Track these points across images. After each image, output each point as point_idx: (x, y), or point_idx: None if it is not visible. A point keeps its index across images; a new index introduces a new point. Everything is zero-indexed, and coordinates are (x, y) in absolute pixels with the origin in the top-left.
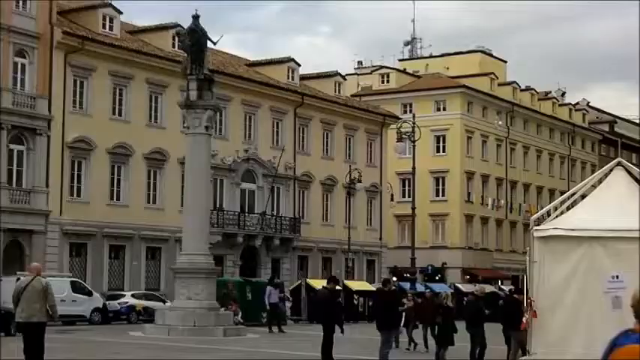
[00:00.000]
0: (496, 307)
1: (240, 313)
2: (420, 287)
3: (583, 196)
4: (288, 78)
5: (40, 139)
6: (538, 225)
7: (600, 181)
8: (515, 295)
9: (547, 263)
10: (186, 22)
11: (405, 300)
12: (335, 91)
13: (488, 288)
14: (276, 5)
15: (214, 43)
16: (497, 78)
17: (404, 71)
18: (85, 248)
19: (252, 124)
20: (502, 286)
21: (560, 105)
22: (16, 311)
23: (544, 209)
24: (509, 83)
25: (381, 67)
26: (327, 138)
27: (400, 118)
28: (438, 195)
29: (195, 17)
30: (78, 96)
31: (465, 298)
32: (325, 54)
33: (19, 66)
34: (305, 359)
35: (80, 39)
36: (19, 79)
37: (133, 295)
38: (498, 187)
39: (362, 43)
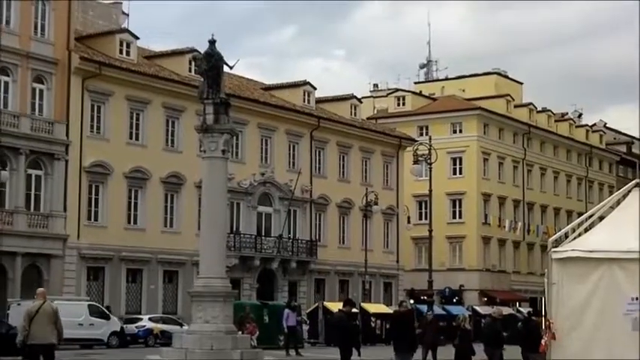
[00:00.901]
0: (514, 329)
1: (257, 333)
2: (437, 310)
3: (601, 218)
4: (304, 101)
5: (58, 163)
6: (556, 247)
7: (618, 203)
8: (533, 317)
9: (566, 285)
10: (202, 47)
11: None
12: (351, 114)
13: (506, 310)
14: (290, 29)
15: (230, 67)
16: (514, 100)
17: (420, 94)
18: (103, 272)
19: (269, 148)
20: (520, 309)
21: (577, 126)
22: (26, 334)
23: (562, 231)
24: (525, 105)
25: (397, 89)
26: (343, 161)
27: (416, 141)
28: (454, 217)
29: (212, 42)
30: (95, 121)
31: (483, 321)
32: (340, 77)
33: (37, 92)
34: None
35: (97, 64)
36: (37, 104)
37: (150, 319)
38: (515, 208)
39: (377, 66)
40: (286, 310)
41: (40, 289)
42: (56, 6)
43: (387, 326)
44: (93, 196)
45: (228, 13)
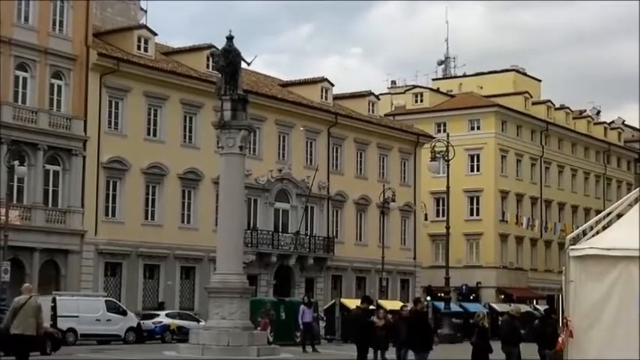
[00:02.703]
0: (532, 326)
1: (269, 329)
2: (454, 307)
3: (619, 216)
4: (322, 98)
5: (76, 159)
6: (574, 244)
7: (637, 200)
8: (552, 315)
9: (583, 283)
10: (220, 44)
11: (374, 318)
12: (368, 111)
13: (524, 308)
14: (307, 28)
15: (248, 64)
16: (532, 97)
17: (437, 90)
18: (120, 268)
19: (286, 144)
20: (537, 306)
21: (595, 123)
22: (10, 324)
23: (580, 228)
24: (543, 102)
25: (415, 86)
26: (360, 157)
27: (434, 138)
28: (472, 214)
29: (229, 38)
30: (113, 117)
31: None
32: (357, 74)
33: (56, 87)
34: None
35: (115, 60)
36: (55, 100)
37: (167, 315)
38: (533, 206)
39: (395, 63)
40: (302, 307)
41: (26, 285)
42: (75, 3)
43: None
44: (110, 192)
45: (245, 12)
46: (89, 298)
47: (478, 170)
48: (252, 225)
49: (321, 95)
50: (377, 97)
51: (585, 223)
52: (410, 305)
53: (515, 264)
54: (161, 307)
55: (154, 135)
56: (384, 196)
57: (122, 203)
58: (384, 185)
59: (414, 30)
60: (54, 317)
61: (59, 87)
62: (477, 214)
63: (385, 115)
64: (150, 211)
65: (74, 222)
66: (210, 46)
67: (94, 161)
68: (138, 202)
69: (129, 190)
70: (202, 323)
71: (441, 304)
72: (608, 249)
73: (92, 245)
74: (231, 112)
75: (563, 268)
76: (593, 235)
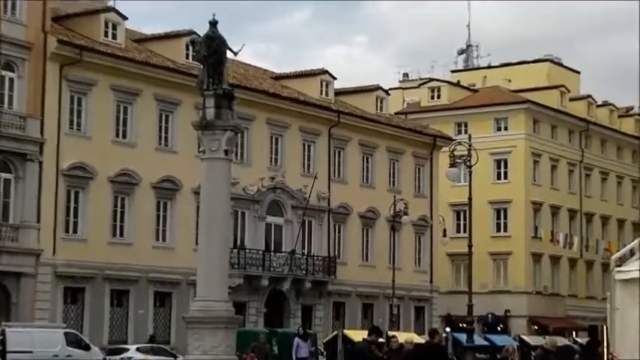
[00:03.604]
0: None
1: None
2: (478, 339)
3: None
4: (322, 93)
5: (31, 165)
6: (620, 266)
7: None
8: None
9: (631, 310)
10: (202, 30)
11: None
12: (376, 109)
13: (561, 340)
14: (304, 12)
15: (235, 54)
16: (569, 91)
17: (457, 84)
18: (83, 294)
19: (280, 148)
20: (577, 338)
21: None
22: None
23: (627, 247)
24: (583, 97)
25: (431, 79)
26: (367, 163)
27: (454, 140)
28: (499, 230)
29: (213, 23)
30: (75, 115)
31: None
32: (363, 66)
33: (7, 81)
34: None
35: (78, 49)
36: (6, 95)
37: (138, 349)
38: (571, 220)
39: (407, 52)
40: (297, 339)
41: None
42: None
43: None
44: (72, 204)
45: None
46: (45, 329)
47: (506, 178)
48: (239, 243)
49: (321, 90)
50: (386, 92)
51: (634, 240)
52: (424, 337)
53: (551, 289)
54: (152, 340)
55: (124, 137)
56: (394, 208)
57: (85, 217)
58: (394, 196)
59: (430, 13)
60: (2, 353)
61: (11, 80)
62: (505, 230)
63: (396, 113)
64: (118, 227)
65: (28, 239)
66: (190, 33)
67: (53, 168)
68: (104, 216)
69: (93, 201)
70: (180, 359)
71: (463, 336)
72: None
73: (49, 267)
74: (214, 109)
75: (608, 293)
76: None
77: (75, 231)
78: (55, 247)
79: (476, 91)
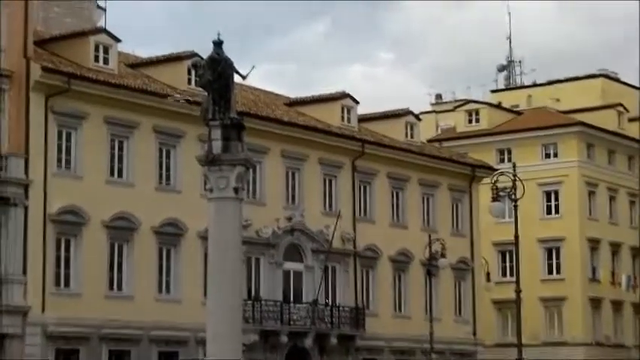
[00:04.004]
0: None
1: None
2: None
3: None
4: (343, 120)
5: (15, 210)
6: None
7: None
8: None
9: None
10: (205, 51)
11: None
12: (406, 136)
13: None
14: (320, 27)
15: (244, 77)
16: (628, 111)
17: (499, 106)
18: (77, 356)
19: (297, 183)
20: None
21: None
22: None
23: None
24: None
25: (468, 101)
26: (396, 199)
27: (496, 170)
28: (551, 272)
29: (217, 43)
30: (64, 152)
31: None
32: (390, 87)
33: None
34: None
35: (65, 77)
36: None
37: None
38: (634, 259)
39: (439, 70)
40: None
41: None
42: (9, 2)
43: None
44: (62, 254)
45: (236, 9)
46: None
47: (557, 212)
48: (253, 294)
49: (342, 116)
50: (417, 117)
51: None
52: None
53: (613, 339)
54: None
55: (120, 176)
56: (430, 250)
57: (78, 268)
58: (429, 235)
59: (465, 26)
60: None
61: None
62: (558, 272)
63: (429, 140)
64: (116, 278)
65: (13, 295)
66: (192, 55)
67: (40, 213)
68: (99, 267)
69: (87, 250)
70: None
71: None
72: None
73: (38, 326)
74: (222, 142)
75: None
76: None
77: (66, 284)
78: (45, 304)
79: (520, 113)
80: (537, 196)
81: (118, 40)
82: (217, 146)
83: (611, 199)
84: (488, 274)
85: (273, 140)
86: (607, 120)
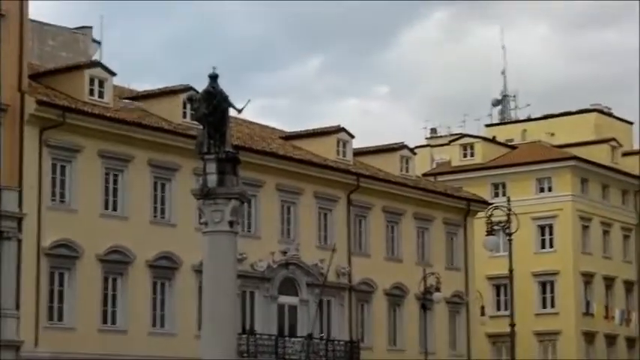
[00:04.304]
0: None
1: None
2: None
3: None
4: (338, 154)
5: (8, 244)
6: None
7: None
8: None
9: None
10: (201, 85)
11: None
12: (401, 170)
13: None
14: (315, 61)
15: (239, 111)
16: (621, 145)
17: (493, 140)
18: None
19: (292, 217)
20: None
21: None
22: None
23: None
24: (637, 152)
25: (462, 135)
26: (391, 233)
27: (490, 204)
28: (545, 306)
29: (213, 77)
30: (58, 186)
31: None
32: (385, 121)
33: None
34: None
35: (60, 110)
36: None
37: None
38: (628, 293)
39: (434, 104)
40: None
41: None
42: (3, 34)
43: None
44: (56, 288)
45: (231, 43)
46: None
47: (551, 246)
48: (248, 327)
49: (337, 150)
50: (412, 150)
51: None
52: None
53: None
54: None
55: (114, 209)
56: (425, 284)
57: (72, 302)
58: (424, 269)
59: (459, 60)
60: None
61: None
62: (552, 306)
63: (424, 175)
64: (110, 312)
65: (6, 330)
66: (188, 89)
67: (33, 246)
68: (93, 301)
69: (81, 284)
70: None
71: None
72: None
73: None
74: (217, 175)
75: None
76: None
77: (60, 318)
78: (38, 338)
79: (514, 147)
80: (531, 230)
81: (113, 74)
82: (212, 180)
83: (605, 233)
84: (482, 307)
85: (269, 174)
86: (601, 154)
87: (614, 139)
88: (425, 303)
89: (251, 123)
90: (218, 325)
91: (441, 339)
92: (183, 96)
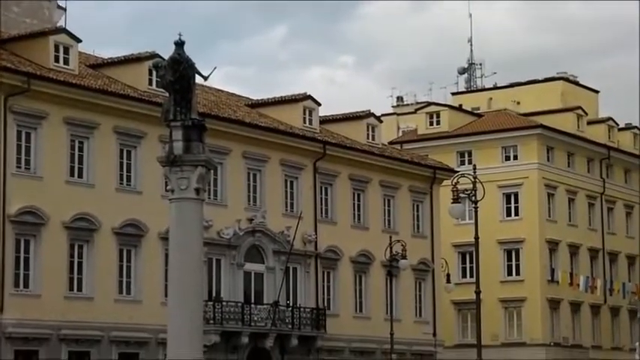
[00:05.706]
0: None
1: None
2: None
3: None
4: (305, 122)
5: None
6: None
7: None
8: None
9: None
10: (166, 52)
11: None
12: (367, 138)
13: None
14: (280, 30)
15: (205, 78)
16: (587, 114)
17: (459, 108)
18: (37, 357)
19: (258, 185)
20: None
21: None
22: None
23: None
24: (603, 120)
25: (429, 103)
26: (358, 200)
27: (456, 172)
28: (510, 273)
29: (179, 44)
30: (23, 153)
31: None
32: (351, 90)
33: None
34: None
35: (25, 77)
36: None
37: None
38: (592, 260)
39: (400, 73)
40: None
41: None
42: None
43: None
44: (22, 255)
45: (197, 12)
46: None
47: (517, 214)
48: (214, 295)
49: (304, 118)
50: (378, 118)
51: None
52: None
53: (571, 340)
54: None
55: (80, 176)
56: (391, 251)
57: (37, 269)
58: (390, 237)
59: (425, 28)
60: None
61: None
62: (518, 274)
63: (390, 142)
64: (76, 279)
65: None
66: (153, 56)
67: None
68: (59, 268)
69: (46, 251)
70: None
71: None
72: None
73: None
74: (183, 143)
75: (637, 343)
76: None
77: (26, 285)
78: (4, 305)
79: (480, 115)
80: (497, 198)
81: (78, 41)
82: (178, 147)
83: (570, 201)
84: (448, 275)
85: (235, 141)
86: (566, 123)
87: (579, 108)
88: (391, 270)
89: (217, 90)
90: (184, 292)
91: (407, 306)
92: (148, 63)
